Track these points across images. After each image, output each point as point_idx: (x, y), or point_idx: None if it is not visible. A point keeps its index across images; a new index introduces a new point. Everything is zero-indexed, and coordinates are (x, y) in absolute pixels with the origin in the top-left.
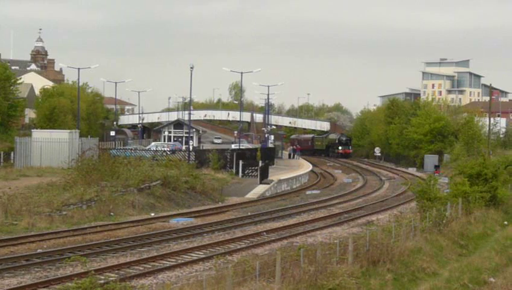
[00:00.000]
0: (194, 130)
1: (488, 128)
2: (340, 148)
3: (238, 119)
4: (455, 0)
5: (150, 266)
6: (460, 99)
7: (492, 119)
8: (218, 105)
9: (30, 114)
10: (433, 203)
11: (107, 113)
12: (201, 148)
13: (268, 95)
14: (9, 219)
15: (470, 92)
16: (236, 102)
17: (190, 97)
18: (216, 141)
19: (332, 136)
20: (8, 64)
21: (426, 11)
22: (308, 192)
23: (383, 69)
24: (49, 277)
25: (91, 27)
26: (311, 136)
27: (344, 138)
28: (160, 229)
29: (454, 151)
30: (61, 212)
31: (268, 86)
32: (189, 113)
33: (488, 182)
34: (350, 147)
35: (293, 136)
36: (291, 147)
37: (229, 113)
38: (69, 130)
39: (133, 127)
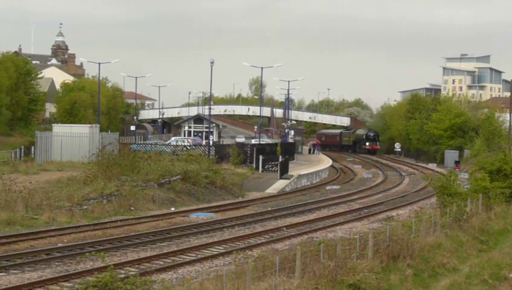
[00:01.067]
0: (214, 125)
1: (509, 124)
2: (367, 144)
3: (258, 114)
4: None
5: (170, 261)
6: (481, 94)
7: None
8: (239, 100)
9: (51, 108)
10: (453, 199)
11: (127, 107)
12: (221, 143)
13: (288, 90)
14: (30, 213)
15: (491, 87)
16: (257, 97)
17: (210, 92)
18: (239, 139)
19: (359, 131)
20: (29, 58)
21: (447, 6)
22: (328, 187)
23: (404, 65)
24: (69, 271)
25: (111, 22)
26: (338, 131)
27: (372, 134)
28: (181, 224)
29: (474, 147)
30: (81, 206)
31: (288, 81)
32: (210, 108)
33: (509, 177)
34: (378, 143)
35: (319, 132)
36: (312, 142)
37: (249, 108)
38: (89, 125)
39: (153, 121)
